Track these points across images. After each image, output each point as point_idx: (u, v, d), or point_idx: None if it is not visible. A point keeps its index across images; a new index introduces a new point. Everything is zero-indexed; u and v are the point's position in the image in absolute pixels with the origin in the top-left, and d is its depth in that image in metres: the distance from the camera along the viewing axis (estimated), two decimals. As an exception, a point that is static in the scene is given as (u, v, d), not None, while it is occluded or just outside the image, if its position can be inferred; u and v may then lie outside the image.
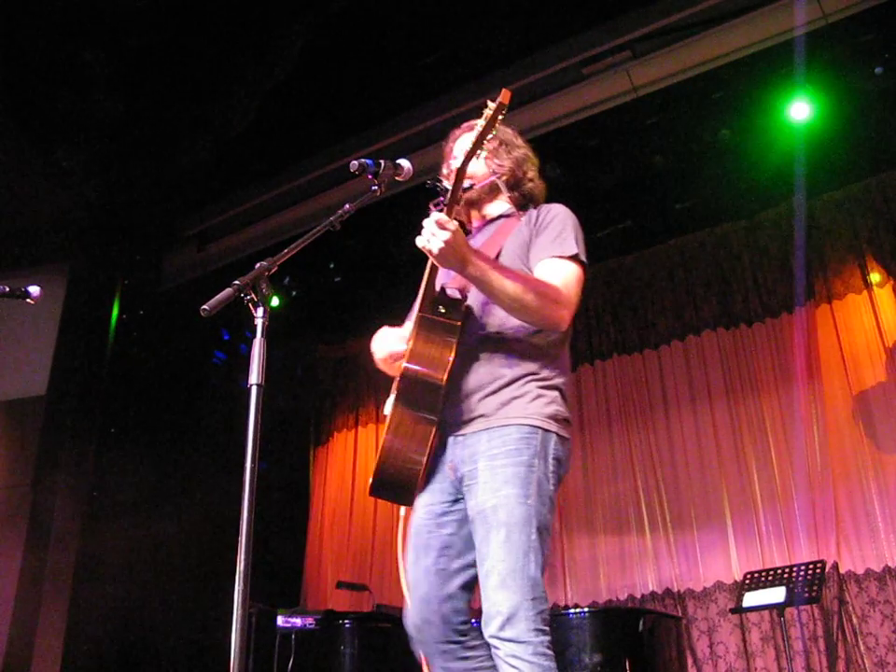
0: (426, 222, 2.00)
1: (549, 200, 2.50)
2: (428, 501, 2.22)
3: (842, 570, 5.52)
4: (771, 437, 6.10)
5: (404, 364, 2.13)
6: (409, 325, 2.33)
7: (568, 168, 5.86)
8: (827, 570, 5.11)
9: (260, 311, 1.79)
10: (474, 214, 2.48)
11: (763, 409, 6.21)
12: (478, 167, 2.37)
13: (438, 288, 2.22)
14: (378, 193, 2.28)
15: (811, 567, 4.65)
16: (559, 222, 2.30)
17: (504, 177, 2.41)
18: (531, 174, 2.45)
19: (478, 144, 2.03)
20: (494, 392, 2.18)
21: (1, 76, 5.22)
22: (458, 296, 2.20)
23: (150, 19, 5.10)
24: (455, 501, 2.20)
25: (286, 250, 1.94)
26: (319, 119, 5.86)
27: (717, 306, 6.66)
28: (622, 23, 5.23)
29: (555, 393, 2.22)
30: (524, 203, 2.45)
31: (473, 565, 2.13)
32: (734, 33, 5.02)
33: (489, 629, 1.96)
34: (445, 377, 2.10)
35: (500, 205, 2.47)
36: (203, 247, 6.98)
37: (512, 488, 2.06)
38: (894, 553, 5.40)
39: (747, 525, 6.00)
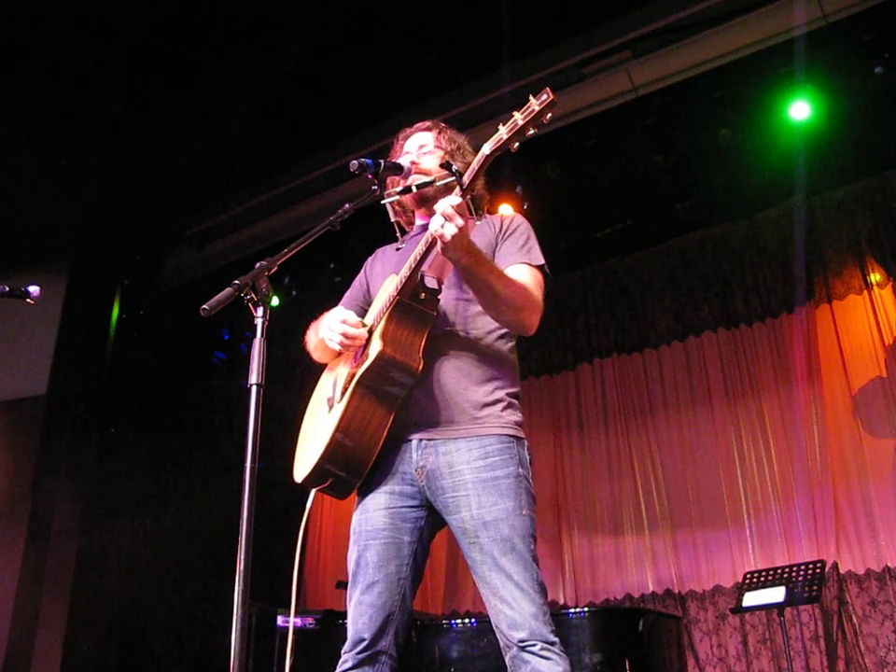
0: (440, 207, 1.96)
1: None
2: (387, 503, 2.16)
3: (842, 570, 5.52)
4: (771, 437, 6.10)
5: (379, 347, 2.07)
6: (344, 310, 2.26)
7: (568, 168, 5.86)
8: (827, 570, 5.10)
9: (260, 311, 1.78)
10: (422, 209, 2.46)
11: (763, 409, 6.21)
12: (433, 165, 2.37)
13: (408, 274, 2.14)
14: (378, 193, 2.28)
15: (811, 566, 4.65)
16: (523, 231, 2.34)
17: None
18: (480, 181, 2.43)
19: (514, 138, 1.94)
20: (462, 394, 2.16)
21: (1, 76, 5.22)
22: (436, 286, 2.17)
23: (150, 19, 5.10)
24: (418, 507, 2.16)
25: (286, 250, 1.94)
26: (319, 118, 5.86)
27: (717, 306, 6.66)
28: (622, 23, 5.23)
29: (517, 401, 2.26)
30: (469, 207, 2.45)
31: (413, 577, 2.15)
32: (734, 33, 5.02)
33: (521, 633, 1.96)
34: (420, 366, 2.10)
35: None
36: (203, 247, 6.98)
37: (510, 501, 2.06)
38: (893, 553, 5.40)
39: (747, 524, 6.00)
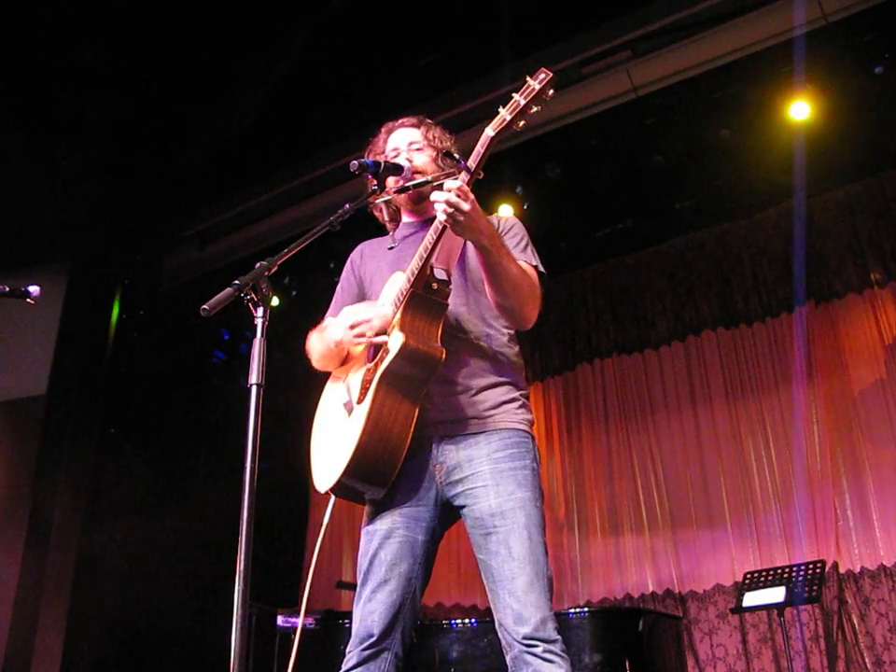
0: (441, 194, 1.96)
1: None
2: (402, 502, 2.15)
3: (841, 570, 5.52)
4: (771, 437, 6.10)
5: (401, 339, 2.05)
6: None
7: (568, 168, 5.86)
8: (827, 570, 5.10)
9: (260, 311, 1.78)
10: (414, 209, 2.44)
11: (763, 409, 6.21)
12: (427, 164, 2.36)
13: (419, 266, 2.12)
14: (378, 194, 2.28)
15: (811, 566, 4.65)
16: (518, 231, 2.35)
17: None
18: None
19: (516, 119, 1.96)
20: (480, 393, 2.17)
21: (1, 76, 5.22)
22: (446, 278, 2.17)
23: (150, 19, 5.10)
24: (432, 506, 2.15)
25: (286, 250, 1.94)
26: (319, 118, 5.86)
27: (717, 306, 6.66)
28: (622, 23, 5.23)
29: (527, 401, 2.29)
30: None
31: (424, 576, 2.15)
32: (734, 33, 5.02)
33: (525, 629, 1.96)
34: (443, 355, 2.09)
35: None
36: (203, 247, 6.99)
37: (526, 491, 2.08)
38: (893, 552, 5.40)
39: (747, 524, 6.01)
